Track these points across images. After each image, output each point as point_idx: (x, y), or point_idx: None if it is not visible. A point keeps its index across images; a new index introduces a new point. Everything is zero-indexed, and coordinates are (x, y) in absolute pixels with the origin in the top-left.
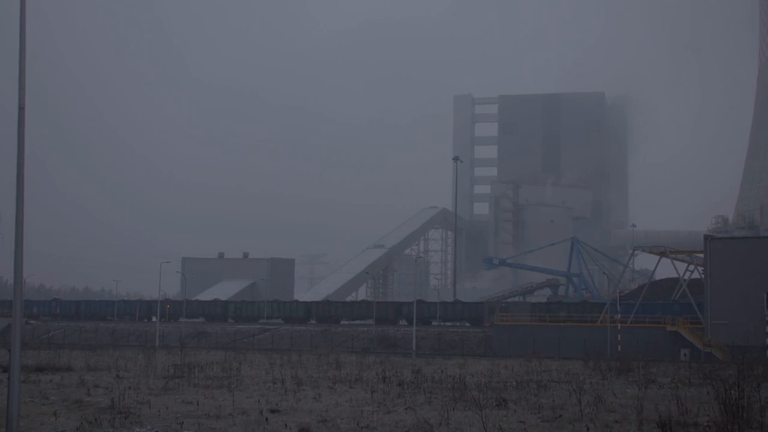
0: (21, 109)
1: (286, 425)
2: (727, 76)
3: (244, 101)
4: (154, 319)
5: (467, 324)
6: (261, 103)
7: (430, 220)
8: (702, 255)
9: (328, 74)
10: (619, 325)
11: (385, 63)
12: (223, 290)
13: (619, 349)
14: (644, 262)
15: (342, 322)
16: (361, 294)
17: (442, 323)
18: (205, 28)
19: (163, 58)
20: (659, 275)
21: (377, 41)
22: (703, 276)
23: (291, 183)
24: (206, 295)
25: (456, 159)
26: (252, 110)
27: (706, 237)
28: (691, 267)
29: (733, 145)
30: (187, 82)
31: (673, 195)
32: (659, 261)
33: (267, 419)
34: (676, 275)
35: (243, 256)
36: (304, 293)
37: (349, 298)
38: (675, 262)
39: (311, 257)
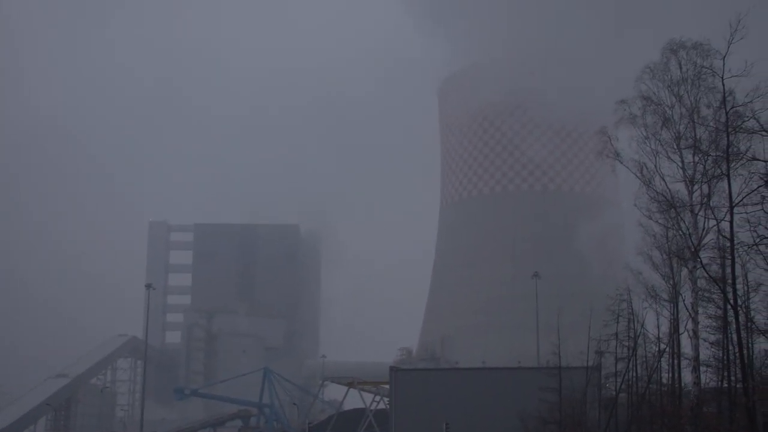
0: None
1: None
2: (413, 213)
3: None
4: None
5: None
6: None
7: (119, 349)
8: (388, 386)
9: None
10: None
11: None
12: None
13: None
14: (334, 392)
15: None
16: (40, 428)
17: None
18: None
19: None
20: (348, 405)
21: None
22: (388, 406)
23: None
24: None
25: (149, 286)
26: None
27: (391, 368)
28: (378, 398)
29: (418, 279)
30: None
31: (362, 326)
32: (347, 391)
33: None
34: (363, 405)
35: None
36: None
37: None
38: (362, 392)
39: None
